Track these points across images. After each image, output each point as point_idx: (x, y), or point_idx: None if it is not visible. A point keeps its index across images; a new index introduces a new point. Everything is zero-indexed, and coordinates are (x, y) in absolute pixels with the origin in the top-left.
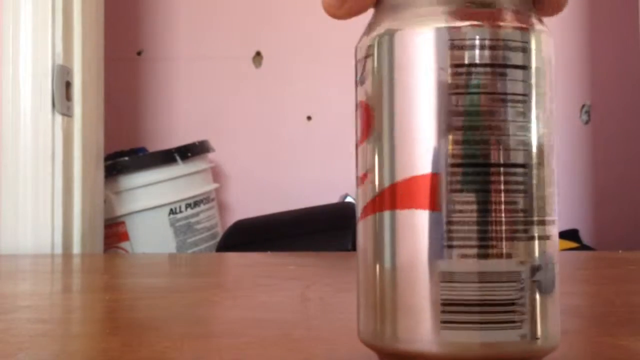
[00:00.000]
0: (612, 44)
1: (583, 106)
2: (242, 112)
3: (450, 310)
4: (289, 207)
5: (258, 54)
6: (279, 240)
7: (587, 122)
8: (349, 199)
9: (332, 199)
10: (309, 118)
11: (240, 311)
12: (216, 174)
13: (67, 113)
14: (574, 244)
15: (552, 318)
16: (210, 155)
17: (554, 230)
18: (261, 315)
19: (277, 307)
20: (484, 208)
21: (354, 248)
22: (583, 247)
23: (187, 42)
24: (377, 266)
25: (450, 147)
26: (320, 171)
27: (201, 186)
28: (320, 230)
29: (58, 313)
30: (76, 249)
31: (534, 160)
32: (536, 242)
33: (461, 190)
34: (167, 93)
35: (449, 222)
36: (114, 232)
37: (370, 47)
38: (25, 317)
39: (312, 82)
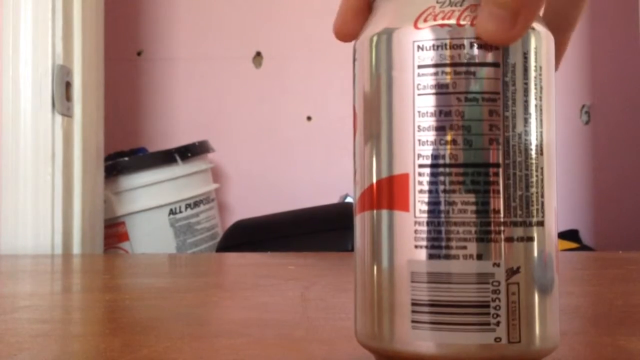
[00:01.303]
0: (612, 44)
1: (583, 106)
2: (242, 112)
3: (421, 310)
4: (289, 207)
5: (258, 54)
6: (279, 240)
7: (587, 122)
8: (348, 199)
9: (332, 199)
10: (308, 118)
11: (240, 311)
12: (216, 174)
13: (67, 113)
14: (574, 244)
15: (545, 320)
16: (210, 155)
17: (543, 232)
18: (261, 315)
19: (277, 307)
20: (451, 209)
21: (353, 248)
22: (583, 247)
23: (187, 42)
24: (365, 266)
25: (417, 148)
26: (320, 171)
27: (201, 186)
28: (320, 230)
29: (58, 313)
30: (76, 249)
31: (510, 159)
32: (515, 244)
33: (429, 191)
34: (167, 93)
35: (417, 223)
36: (114, 232)
37: (354, 51)
38: (25, 317)
39: (312, 82)
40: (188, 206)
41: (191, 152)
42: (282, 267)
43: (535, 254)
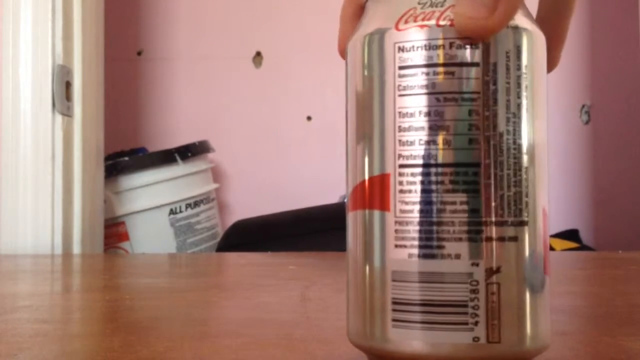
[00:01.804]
0: (612, 44)
1: (583, 106)
2: (242, 112)
3: (401, 309)
4: (288, 207)
5: (258, 54)
6: (279, 240)
7: (587, 122)
8: None
9: (332, 199)
10: (308, 118)
11: (240, 311)
12: (216, 174)
13: (67, 113)
14: (574, 244)
15: (531, 321)
16: (210, 155)
17: (528, 231)
18: (261, 315)
19: (277, 307)
20: (431, 208)
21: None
22: (583, 247)
23: (187, 42)
24: (354, 265)
25: (398, 148)
26: (320, 171)
27: (201, 186)
28: (320, 230)
29: (58, 313)
30: (76, 249)
31: (491, 159)
32: (495, 244)
33: (409, 191)
34: (167, 93)
35: (398, 222)
36: (114, 232)
37: (346, 52)
38: (25, 317)
39: (312, 82)
40: (188, 206)
41: (191, 152)
42: (282, 267)
43: (519, 253)
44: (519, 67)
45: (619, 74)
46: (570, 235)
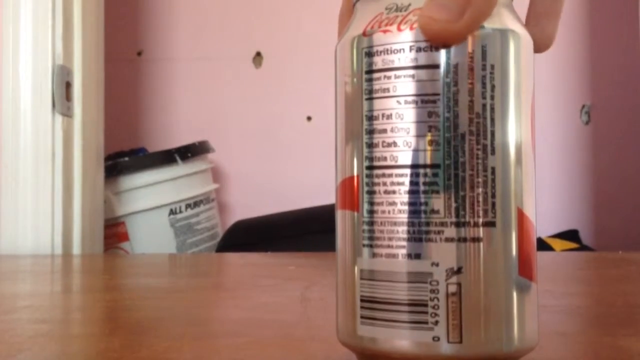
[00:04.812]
0: (612, 44)
1: (583, 106)
2: (242, 112)
3: (366, 307)
4: (289, 208)
5: (258, 54)
6: (279, 240)
7: (587, 123)
8: None
9: (332, 199)
10: (309, 118)
11: (240, 311)
12: (216, 174)
13: (67, 113)
14: (574, 245)
15: (500, 323)
16: (210, 156)
17: (494, 232)
18: (261, 315)
19: (277, 307)
20: (392, 209)
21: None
22: (583, 247)
23: (187, 42)
24: (338, 264)
25: (365, 150)
26: (320, 171)
27: (201, 186)
28: (320, 230)
29: (58, 313)
30: (76, 249)
31: (452, 160)
32: (456, 244)
33: (374, 192)
34: (167, 93)
35: (365, 222)
36: (114, 232)
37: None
38: (25, 318)
39: (312, 82)
40: (188, 206)
41: (191, 152)
42: (282, 267)
43: (483, 255)
44: (484, 68)
45: (619, 74)
46: (570, 235)
